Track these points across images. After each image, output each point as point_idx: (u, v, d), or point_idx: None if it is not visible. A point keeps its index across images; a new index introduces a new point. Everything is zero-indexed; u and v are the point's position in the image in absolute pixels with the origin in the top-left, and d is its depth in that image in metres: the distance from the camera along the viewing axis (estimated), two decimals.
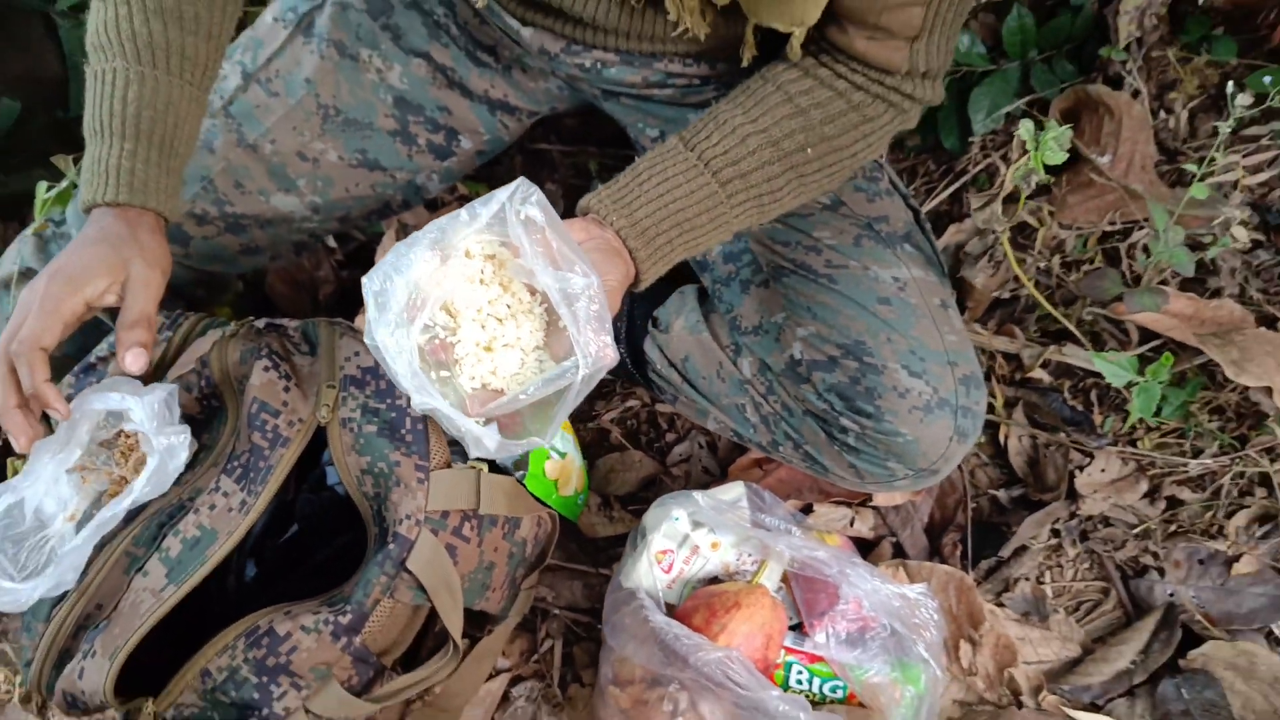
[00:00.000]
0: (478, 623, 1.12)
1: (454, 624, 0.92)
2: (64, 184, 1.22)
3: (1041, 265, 1.20)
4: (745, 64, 0.97)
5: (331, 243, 1.51)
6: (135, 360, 0.86)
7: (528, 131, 1.30)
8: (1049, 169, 1.10)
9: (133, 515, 0.94)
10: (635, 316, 1.24)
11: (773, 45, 0.95)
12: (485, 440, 0.76)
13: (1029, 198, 1.21)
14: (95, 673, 0.85)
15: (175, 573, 0.87)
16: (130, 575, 0.91)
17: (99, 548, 0.93)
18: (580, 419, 1.42)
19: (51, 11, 1.39)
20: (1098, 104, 1.16)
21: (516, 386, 0.79)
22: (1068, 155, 0.94)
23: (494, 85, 1.18)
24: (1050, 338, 1.23)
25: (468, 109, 1.20)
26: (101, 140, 0.89)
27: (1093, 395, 1.23)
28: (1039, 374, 1.22)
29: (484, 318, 0.80)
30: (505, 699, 1.25)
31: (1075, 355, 1.16)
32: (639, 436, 1.41)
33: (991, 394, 1.25)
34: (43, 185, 1.22)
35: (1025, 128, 0.96)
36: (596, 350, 0.73)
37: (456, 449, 0.95)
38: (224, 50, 0.99)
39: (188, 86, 0.93)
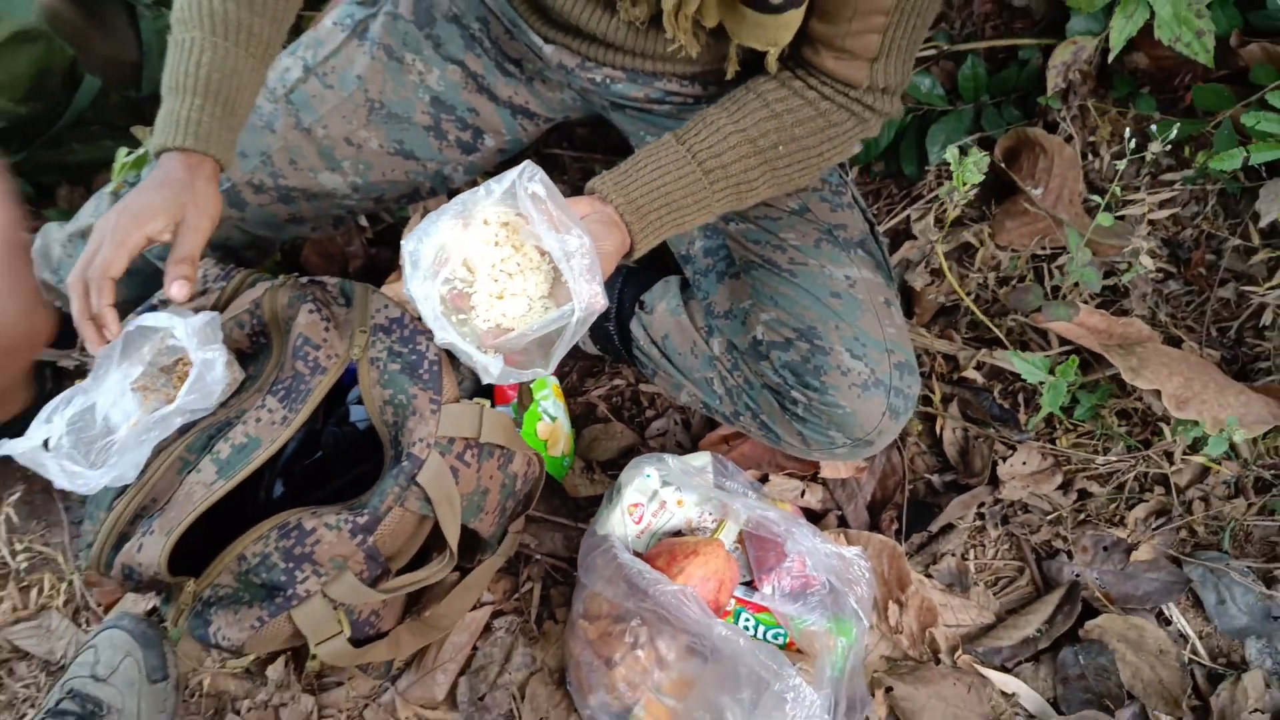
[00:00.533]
0: (469, 554, 1.30)
1: (451, 534, 1.09)
2: (140, 150, 1.40)
3: (980, 280, 1.38)
4: (729, 78, 1.16)
5: (364, 221, 1.69)
6: (180, 290, 1.02)
7: (543, 136, 1.48)
8: (991, 197, 1.28)
9: (186, 429, 1.12)
10: (625, 300, 1.42)
11: (755, 63, 1.13)
12: (491, 368, 0.93)
13: (973, 221, 1.39)
14: (153, 547, 1.03)
15: (224, 470, 1.05)
16: (183, 475, 1.09)
17: (156, 451, 1.11)
18: (570, 393, 1.60)
19: (137, 4, 1.58)
20: (1035, 144, 1.34)
21: (523, 326, 0.97)
22: (984, 178, 1.11)
23: (517, 93, 1.37)
24: (985, 344, 1.40)
25: (493, 112, 1.38)
26: (176, 96, 1.06)
27: (1019, 397, 1.40)
28: (973, 374, 1.40)
29: (496, 272, 0.97)
30: (487, 629, 1.41)
31: (1003, 359, 1.34)
32: (622, 411, 1.58)
33: (930, 390, 1.42)
34: (122, 150, 1.41)
35: (951, 152, 1.14)
36: (589, 297, 0.90)
37: (464, 388, 1.13)
38: (284, 33, 1.16)
39: (251, 59, 1.10)
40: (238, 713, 1.39)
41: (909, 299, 1.45)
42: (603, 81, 1.27)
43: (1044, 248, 1.36)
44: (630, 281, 1.44)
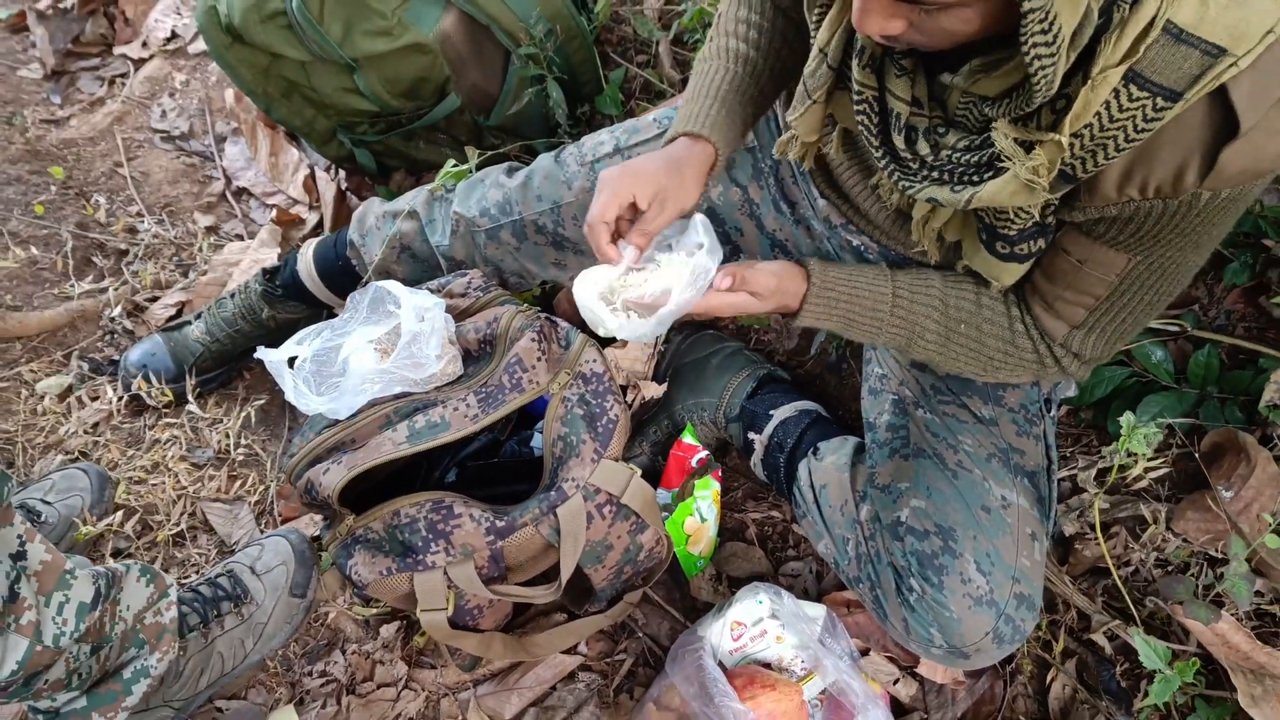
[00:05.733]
0: (578, 599, 1.42)
1: (566, 566, 1.22)
2: (463, 167, 1.65)
3: (1141, 556, 1.38)
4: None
5: None
6: (628, 254, 1.15)
7: None
8: (1184, 484, 1.29)
9: (401, 397, 1.31)
10: (804, 440, 1.52)
11: None
12: (607, 322, 1.09)
13: (1156, 499, 1.40)
14: (335, 474, 1.21)
15: (413, 438, 1.23)
16: (383, 431, 1.28)
17: (370, 404, 1.30)
18: (729, 507, 1.70)
19: (512, 51, 1.86)
20: (1241, 449, 1.34)
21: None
22: (1173, 448, 1.14)
23: (781, 229, 1.51)
24: (1125, 618, 1.40)
25: (756, 239, 1.53)
26: (695, 101, 1.26)
27: (1140, 682, 1.38)
28: (1102, 641, 1.39)
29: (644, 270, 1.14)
30: (571, 676, 1.52)
31: (1135, 637, 1.33)
32: (768, 541, 1.67)
33: (1054, 640, 1.43)
34: (451, 161, 1.65)
35: (1127, 418, 1.18)
36: (690, 297, 1.08)
37: (627, 457, 1.26)
38: (777, 72, 1.32)
39: (753, 84, 1.29)
40: (344, 651, 1.56)
41: (1067, 549, 1.47)
42: (859, 246, 1.40)
43: (1217, 550, 1.35)
44: (814, 427, 1.54)
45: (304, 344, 1.30)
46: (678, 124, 1.25)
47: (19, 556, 1.20)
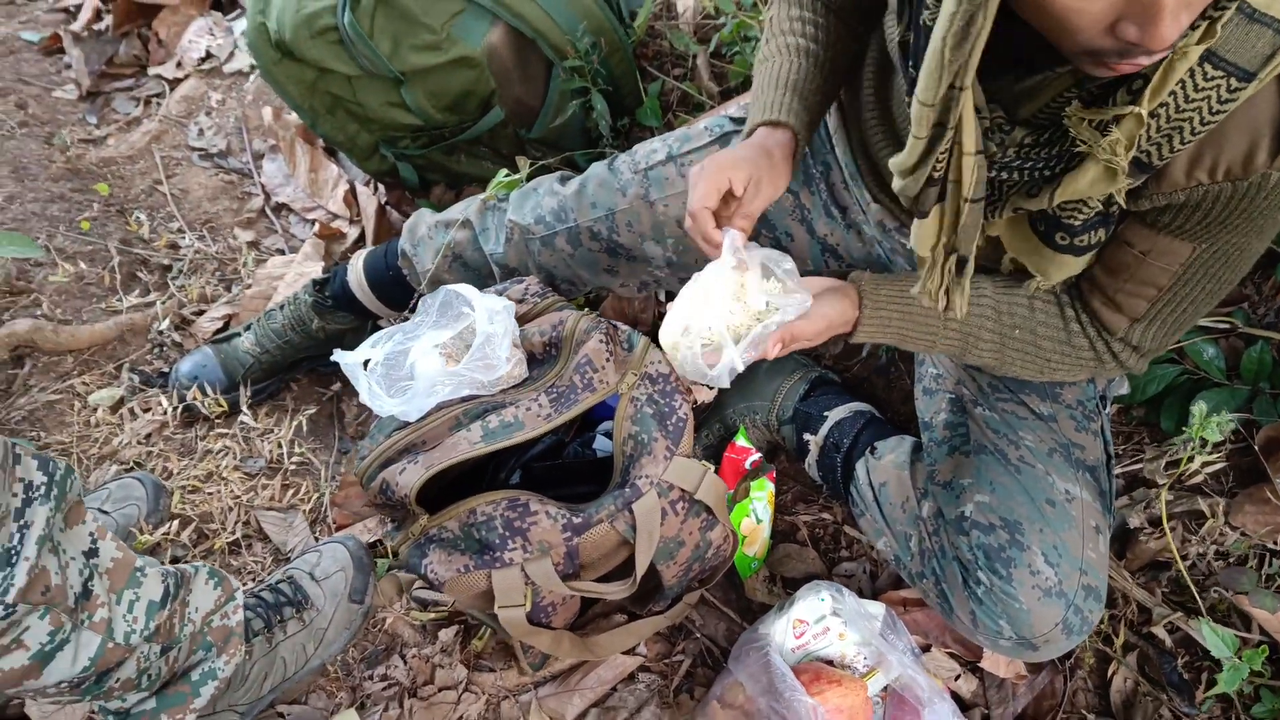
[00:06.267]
0: (644, 599, 1.44)
1: (641, 562, 1.23)
2: (515, 177, 1.67)
3: (1200, 550, 1.40)
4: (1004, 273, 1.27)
5: (662, 295, 1.90)
6: (731, 239, 1.16)
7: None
8: (1240, 479, 1.31)
9: (468, 400, 1.33)
10: (860, 441, 1.54)
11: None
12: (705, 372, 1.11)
13: (1213, 493, 1.42)
14: (412, 474, 1.23)
15: (488, 437, 1.25)
16: (454, 432, 1.29)
17: (439, 406, 1.32)
18: (780, 510, 1.71)
19: (556, 64, 1.89)
20: None
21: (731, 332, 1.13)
22: (1226, 446, 1.16)
23: (832, 233, 1.53)
24: (1184, 611, 1.41)
25: (807, 243, 1.55)
26: (766, 92, 1.29)
27: (1202, 674, 1.40)
28: (1162, 634, 1.40)
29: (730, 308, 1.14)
30: (631, 677, 1.53)
31: (1195, 628, 1.35)
32: (820, 543, 1.68)
33: (1115, 634, 1.44)
34: (502, 171, 1.68)
35: (1199, 407, 1.20)
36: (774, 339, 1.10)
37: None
38: (838, 60, 1.33)
39: (817, 72, 1.30)
40: (403, 656, 1.57)
41: (1125, 543, 1.49)
42: (912, 248, 1.42)
43: (1276, 542, 1.37)
44: (869, 428, 1.56)
45: (377, 347, 1.32)
46: (754, 116, 1.28)
47: (91, 553, 1.21)
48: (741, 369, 1.11)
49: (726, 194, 1.17)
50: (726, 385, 1.13)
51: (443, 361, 1.37)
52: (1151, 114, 0.91)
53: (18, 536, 1.07)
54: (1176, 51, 0.85)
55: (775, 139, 1.24)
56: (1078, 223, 1.07)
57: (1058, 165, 1.00)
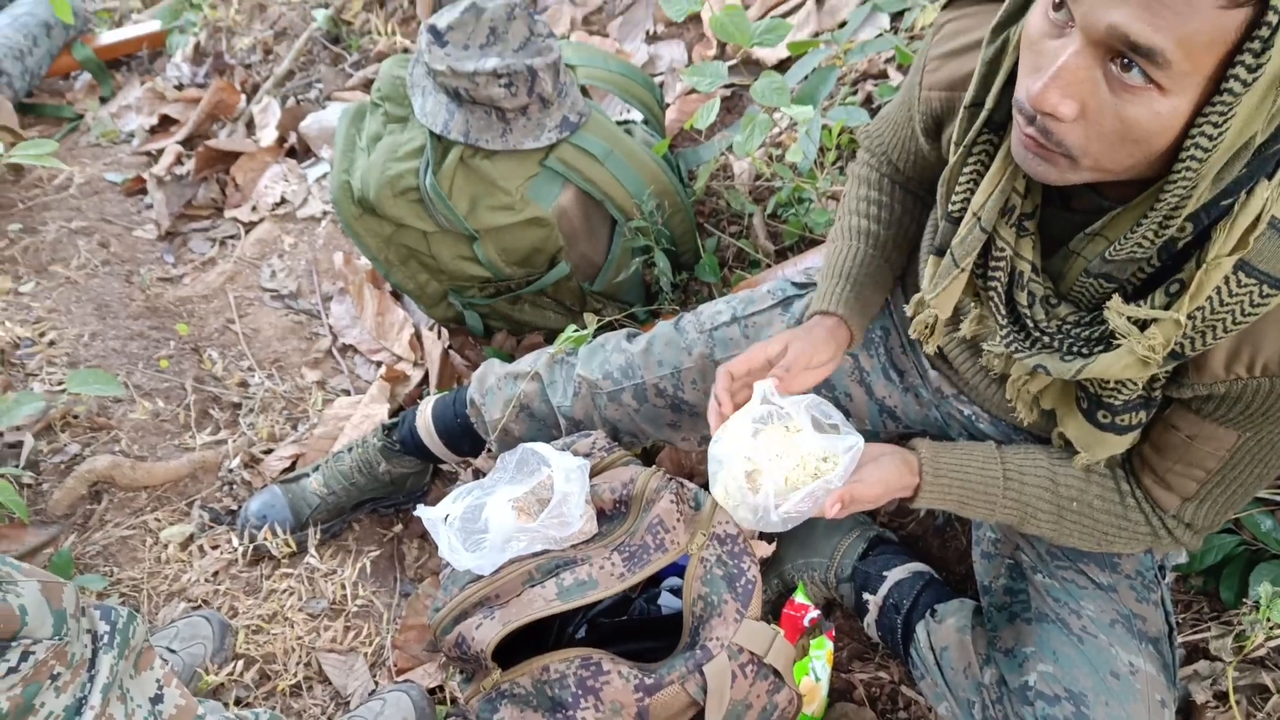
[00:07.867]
0: None
1: None
2: (583, 332, 1.74)
3: None
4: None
5: None
6: (762, 388, 1.24)
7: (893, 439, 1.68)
8: None
9: (540, 554, 1.37)
10: (920, 602, 1.56)
11: None
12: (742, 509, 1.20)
13: (1277, 666, 1.43)
14: (489, 630, 1.26)
15: (563, 594, 1.28)
16: (526, 586, 1.33)
17: (512, 560, 1.36)
18: (837, 668, 1.72)
19: (621, 224, 1.98)
20: None
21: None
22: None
23: (890, 395, 1.58)
24: None
25: (865, 405, 1.60)
26: (829, 280, 1.39)
27: None
28: None
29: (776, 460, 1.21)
30: None
31: None
32: (877, 703, 1.68)
33: None
34: (572, 327, 1.75)
35: (1265, 588, 1.22)
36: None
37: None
38: (902, 247, 1.45)
39: (883, 265, 1.41)
40: None
41: (1189, 716, 1.49)
42: (970, 416, 1.46)
43: None
44: (929, 589, 1.58)
45: (457, 502, 1.37)
46: (815, 303, 1.37)
47: (157, 699, 1.25)
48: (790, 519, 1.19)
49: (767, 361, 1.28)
50: (782, 530, 1.21)
51: (514, 515, 1.42)
52: (1189, 315, 0.97)
53: (88, 686, 1.13)
54: (1210, 261, 0.92)
55: (827, 325, 1.34)
56: (1118, 402, 1.11)
57: (1097, 347, 1.05)
